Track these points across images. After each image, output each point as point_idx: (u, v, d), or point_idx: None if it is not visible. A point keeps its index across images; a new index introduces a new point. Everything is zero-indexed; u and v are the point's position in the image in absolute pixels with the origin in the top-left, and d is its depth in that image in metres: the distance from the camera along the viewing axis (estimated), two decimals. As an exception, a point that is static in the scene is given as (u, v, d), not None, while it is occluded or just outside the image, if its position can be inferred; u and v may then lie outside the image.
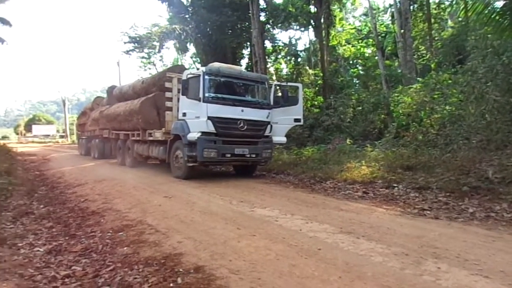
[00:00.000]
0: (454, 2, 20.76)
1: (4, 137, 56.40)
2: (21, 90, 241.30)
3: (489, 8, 6.93)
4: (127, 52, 25.57)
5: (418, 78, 14.54)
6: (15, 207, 6.22)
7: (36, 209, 6.38)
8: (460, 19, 15.84)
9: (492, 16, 6.96)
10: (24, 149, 25.85)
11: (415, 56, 18.82)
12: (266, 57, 21.83)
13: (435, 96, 10.96)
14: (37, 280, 3.27)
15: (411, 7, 19.63)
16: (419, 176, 7.31)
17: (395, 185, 7.21)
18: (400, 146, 10.02)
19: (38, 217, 5.78)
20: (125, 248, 4.08)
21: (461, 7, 15.09)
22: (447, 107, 10.01)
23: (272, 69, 25.74)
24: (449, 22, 21.60)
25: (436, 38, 18.52)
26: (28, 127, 61.21)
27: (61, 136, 57.73)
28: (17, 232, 4.79)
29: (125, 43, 24.99)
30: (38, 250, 4.13)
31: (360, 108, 15.57)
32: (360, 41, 27.32)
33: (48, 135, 57.09)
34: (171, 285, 3.06)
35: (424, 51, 20.70)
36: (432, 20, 20.12)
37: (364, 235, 4.26)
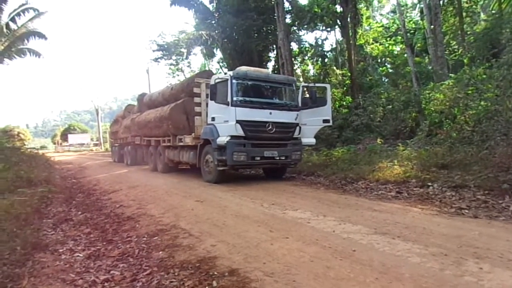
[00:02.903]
0: (486, -5, 20.02)
1: (42, 147, 58.38)
2: (56, 101, 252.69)
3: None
4: (156, 59, 26.27)
5: (450, 74, 14.07)
6: (55, 214, 6.48)
7: (75, 215, 6.60)
8: (493, 11, 15.23)
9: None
10: (61, 158, 26.88)
11: (446, 52, 18.21)
12: (293, 59, 21.79)
13: (469, 91, 10.57)
14: (79, 285, 3.38)
15: (441, 2, 19.06)
16: (454, 174, 7.09)
17: (429, 184, 7.01)
18: (434, 144, 9.78)
19: (76, 223, 5.97)
20: (160, 252, 4.15)
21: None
22: (482, 103, 9.63)
23: (299, 71, 25.69)
24: (482, 15, 20.78)
25: (469, 32, 17.80)
26: (64, 136, 63.25)
27: (95, 144, 59.32)
28: (57, 238, 4.96)
29: (153, 51, 25.77)
30: (78, 256, 4.26)
31: (390, 106, 15.28)
32: (388, 39, 26.82)
33: (83, 144, 58.79)
34: (207, 288, 3.09)
35: (456, 46, 19.99)
36: (464, 14, 19.42)
37: (399, 236, 4.16)
